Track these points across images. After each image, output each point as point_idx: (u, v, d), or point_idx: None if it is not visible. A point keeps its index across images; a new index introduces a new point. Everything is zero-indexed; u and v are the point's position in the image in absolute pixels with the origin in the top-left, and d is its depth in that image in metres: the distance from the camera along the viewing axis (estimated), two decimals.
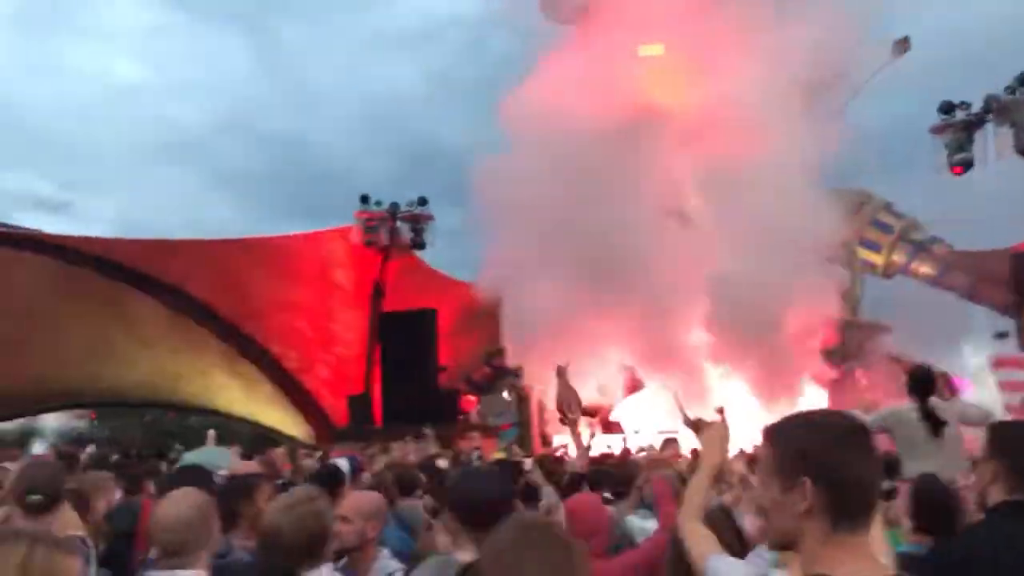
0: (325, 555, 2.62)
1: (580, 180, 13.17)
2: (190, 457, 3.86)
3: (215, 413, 24.64)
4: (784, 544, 1.67)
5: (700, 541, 2.27)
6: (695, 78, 13.93)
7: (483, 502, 2.64)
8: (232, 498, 3.63)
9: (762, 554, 2.92)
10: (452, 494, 2.82)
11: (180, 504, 2.70)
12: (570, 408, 13.45)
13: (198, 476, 3.92)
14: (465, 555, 2.56)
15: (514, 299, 14.25)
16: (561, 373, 14.19)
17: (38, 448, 18.78)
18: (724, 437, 2.61)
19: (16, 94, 75.26)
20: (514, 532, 1.60)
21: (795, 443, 1.64)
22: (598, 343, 14.25)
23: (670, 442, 8.86)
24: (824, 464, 1.58)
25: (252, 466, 4.28)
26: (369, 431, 17.15)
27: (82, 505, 4.26)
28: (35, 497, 3.40)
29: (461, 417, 19.10)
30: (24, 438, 24.89)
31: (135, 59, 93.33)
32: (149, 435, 33.14)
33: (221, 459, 3.97)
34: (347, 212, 21.10)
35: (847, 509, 1.58)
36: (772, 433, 1.71)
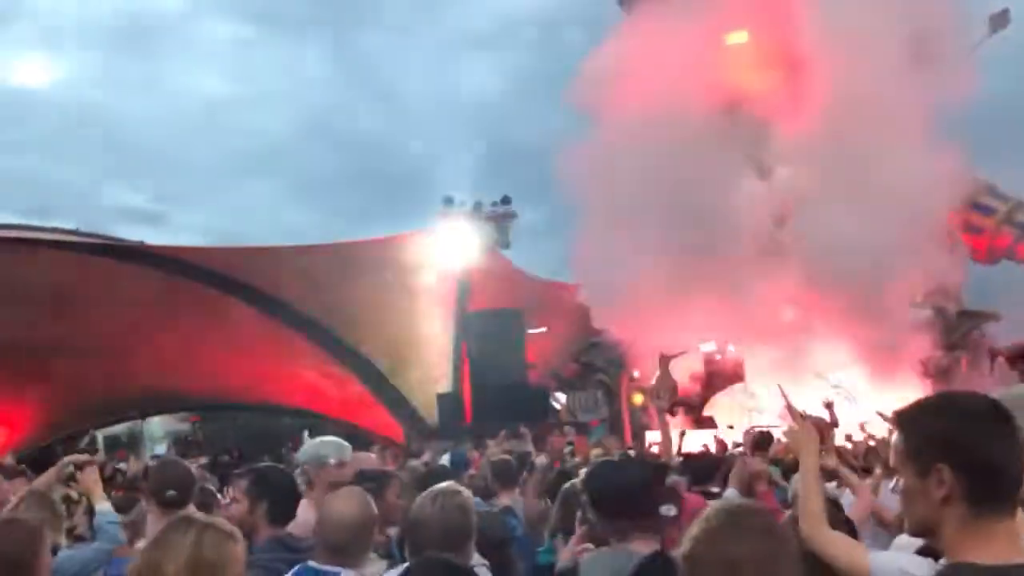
0: (468, 550, 2.60)
1: (670, 164, 12.95)
2: (306, 449, 3.95)
3: (308, 414, 25.31)
4: (923, 532, 1.62)
5: (846, 547, 2.14)
6: (783, 59, 13.61)
7: (626, 490, 2.61)
8: None
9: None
10: (593, 485, 2.75)
11: (349, 504, 2.72)
12: (660, 395, 13.35)
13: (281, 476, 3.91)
14: (640, 547, 2.52)
15: (606, 286, 14.11)
16: (664, 362, 14.02)
17: (159, 450, 19.78)
18: (811, 438, 2.47)
19: (111, 110, 79.02)
20: (728, 519, 1.56)
21: (929, 427, 1.58)
22: (697, 325, 14.03)
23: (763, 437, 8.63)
24: (961, 448, 1.52)
25: (371, 459, 4.36)
26: (460, 429, 17.29)
27: (209, 503, 4.43)
28: (171, 493, 3.55)
29: (550, 414, 19.08)
30: (132, 440, 25.98)
31: (221, 73, 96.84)
32: (243, 437, 34.07)
33: (324, 448, 4.03)
34: (431, 213, 21.41)
35: (988, 494, 1.51)
36: (903, 417, 1.65)
